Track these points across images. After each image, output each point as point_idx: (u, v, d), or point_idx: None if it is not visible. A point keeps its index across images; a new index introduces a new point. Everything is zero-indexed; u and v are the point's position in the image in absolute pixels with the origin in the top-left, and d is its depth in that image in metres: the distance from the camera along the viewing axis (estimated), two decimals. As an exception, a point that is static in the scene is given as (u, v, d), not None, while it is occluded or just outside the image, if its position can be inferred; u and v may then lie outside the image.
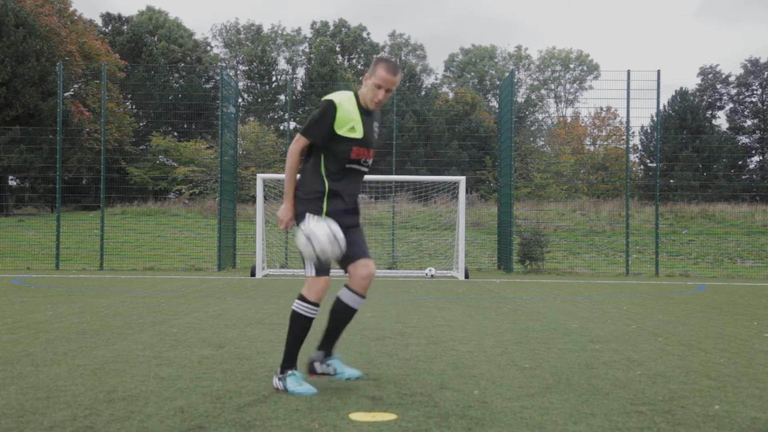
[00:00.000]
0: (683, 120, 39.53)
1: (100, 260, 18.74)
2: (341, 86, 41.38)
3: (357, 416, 3.24)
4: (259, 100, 52.70)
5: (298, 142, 3.86)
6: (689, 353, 5.26)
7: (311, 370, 3.90)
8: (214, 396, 3.64)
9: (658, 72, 19.13)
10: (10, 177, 31.30)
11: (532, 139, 47.18)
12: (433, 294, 11.18)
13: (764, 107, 49.84)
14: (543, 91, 65.94)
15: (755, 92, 50.12)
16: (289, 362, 3.80)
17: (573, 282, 15.12)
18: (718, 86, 50.55)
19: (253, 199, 20.60)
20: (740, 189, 33.92)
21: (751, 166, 45.54)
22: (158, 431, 2.98)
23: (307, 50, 62.23)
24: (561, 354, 5.14)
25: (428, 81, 60.05)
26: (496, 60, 67.36)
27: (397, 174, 21.01)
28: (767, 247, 23.73)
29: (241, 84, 53.03)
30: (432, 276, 15.61)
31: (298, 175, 3.94)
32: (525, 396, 3.72)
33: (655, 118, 26.97)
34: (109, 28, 52.38)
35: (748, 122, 50.01)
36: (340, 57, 59.46)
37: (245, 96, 53.03)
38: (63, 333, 5.98)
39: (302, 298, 3.81)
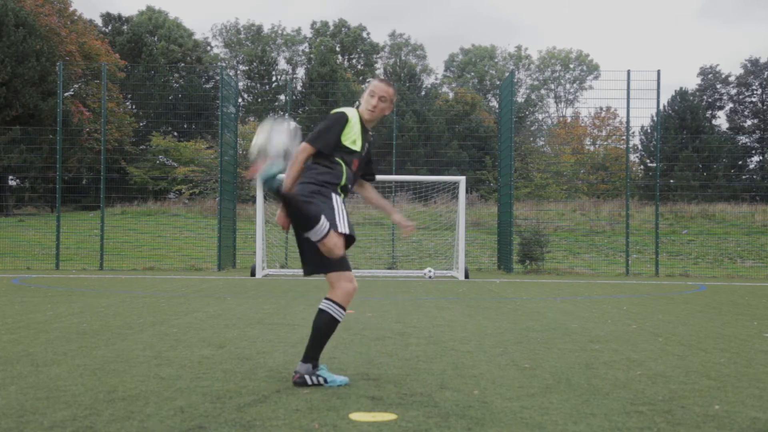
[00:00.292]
0: (683, 120, 39.53)
1: (100, 260, 18.75)
2: (341, 86, 41.38)
3: (357, 416, 3.24)
4: (259, 100, 52.71)
5: (304, 152, 3.93)
6: (689, 353, 5.26)
7: (301, 383, 3.84)
8: (214, 396, 3.64)
9: (658, 72, 19.15)
10: (10, 177, 31.30)
11: (532, 139, 47.19)
12: (433, 294, 11.18)
13: (764, 107, 49.85)
14: (543, 91, 65.95)
15: (755, 92, 50.13)
16: (316, 358, 3.88)
17: (573, 282, 15.12)
18: (718, 86, 50.56)
19: (253, 199, 20.61)
20: (740, 189, 33.93)
21: (751, 166, 45.57)
22: (158, 431, 2.98)
23: (307, 50, 62.25)
24: (561, 354, 5.14)
25: (428, 81, 60.07)
26: (496, 60, 67.37)
27: (397, 174, 21.02)
28: (767, 247, 23.73)
29: (241, 84, 53.04)
30: (430, 276, 15.56)
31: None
32: (525, 396, 3.72)
33: (655, 118, 26.99)
34: (109, 28, 52.39)
35: (748, 122, 50.02)
36: (340, 57, 59.46)
37: (245, 96, 53.04)
38: (63, 333, 5.98)
39: (334, 302, 3.88)
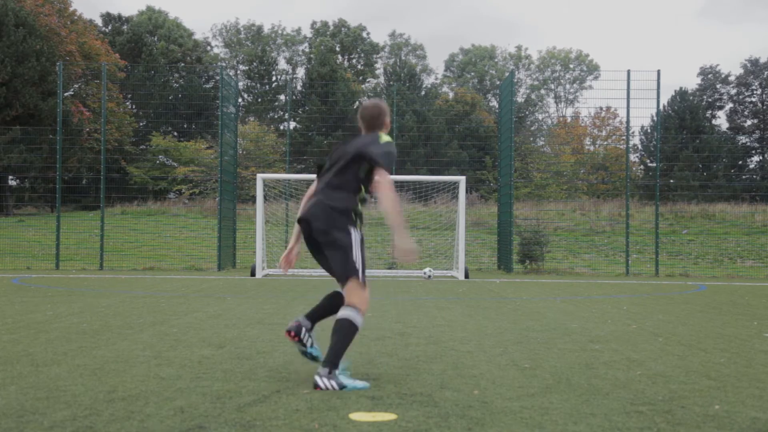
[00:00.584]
0: (683, 120, 39.54)
1: (100, 260, 18.75)
2: (341, 86, 41.38)
3: (357, 416, 3.24)
4: (259, 100, 52.70)
5: (389, 176, 4.03)
6: (689, 353, 5.26)
7: (315, 386, 3.83)
8: (214, 396, 3.64)
9: (658, 72, 19.15)
10: (10, 177, 31.31)
11: (532, 139, 47.20)
12: (433, 294, 11.18)
13: (764, 107, 49.84)
14: (543, 91, 65.95)
15: (755, 92, 50.13)
16: (336, 363, 3.83)
17: (573, 282, 15.12)
18: (718, 86, 50.56)
19: (253, 199, 20.61)
20: (740, 189, 33.96)
21: (751, 166, 45.58)
22: (158, 431, 2.98)
23: (307, 50, 62.25)
24: (561, 354, 5.14)
25: (428, 81, 60.07)
26: (496, 60, 67.37)
27: (397, 174, 21.01)
28: (767, 247, 23.74)
29: (241, 84, 53.02)
30: (428, 276, 15.49)
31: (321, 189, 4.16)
32: (525, 396, 3.72)
33: (655, 118, 27.00)
34: (109, 28, 52.39)
35: (748, 122, 50.02)
36: (340, 57, 59.46)
37: (245, 96, 53.02)
38: (63, 333, 5.98)
39: (356, 310, 3.93)
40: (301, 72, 59.90)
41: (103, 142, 19.81)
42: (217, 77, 36.92)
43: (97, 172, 29.79)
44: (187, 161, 35.07)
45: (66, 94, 34.33)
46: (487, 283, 14.45)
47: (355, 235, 4.06)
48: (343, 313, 3.93)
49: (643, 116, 55.77)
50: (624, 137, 26.55)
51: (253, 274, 15.82)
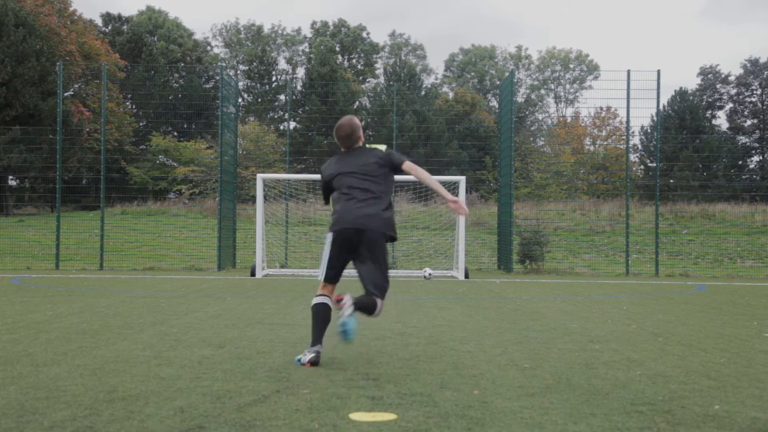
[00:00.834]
0: (683, 120, 39.54)
1: (100, 260, 18.75)
2: (341, 86, 41.39)
3: (357, 416, 3.24)
4: (259, 100, 52.70)
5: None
6: (689, 353, 5.26)
7: (346, 304, 4.52)
8: (214, 396, 3.64)
9: (658, 72, 19.15)
10: (10, 177, 31.31)
11: (532, 139, 47.20)
12: (433, 294, 11.19)
13: (764, 107, 49.85)
14: (543, 91, 65.96)
15: (755, 92, 50.13)
16: (358, 308, 4.56)
17: (573, 282, 15.12)
18: (718, 86, 50.56)
19: (253, 199, 20.61)
20: (740, 189, 33.95)
21: (751, 166, 45.59)
22: (158, 431, 2.98)
23: (307, 50, 62.25)
24: (561, 354, 5.14)
25: (428, 81, 60.08)
26: (496, 60, 67.38)
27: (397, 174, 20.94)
28: (767, 247, 23.74)
29: (241, 84, 53.02)
30: (427, 277, 15.42)
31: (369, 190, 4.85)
32: (525, 396, 3.72)
33: (655, 118, 27.00)
34: (109, 28, 52.39)
35: (748, 122, 50.02)
36: (340, 57, 59.46)
37: (245, 96, 53.03)
38: (63, 333, 5.98)
39: (382, 302, 4.75)
40: (301, 72, 59.96)
41: (103, 142, 19.81)
42: (217, 77, 36.93)
43: (97, 172, 29.79)
44: (187, 161, 35.07)
45: (66, 94, 34.34)
46: (487, 283, 14.45)
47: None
48: (374, 297, 4.72)
49: (643, 116, 55.90)
50: (624, 137, 26.55)
51: (253, 274, 15.82)
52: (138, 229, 23.64)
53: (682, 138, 37.32)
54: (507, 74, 35.81)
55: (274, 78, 54.44)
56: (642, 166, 38.95)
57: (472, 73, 64.82)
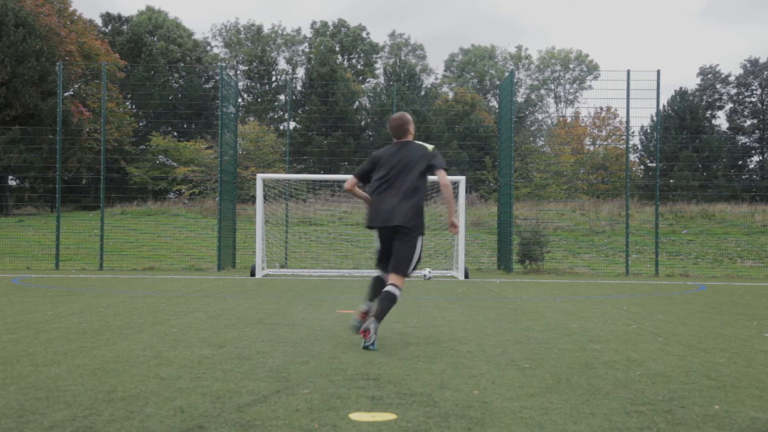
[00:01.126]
0: (683, 120, 39.55)
1: (100, 260, 18.75)
2: (341, 86, 41.38)
3: (357, 416, 3.24)
4: (259, 100, 52.71)
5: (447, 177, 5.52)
6: (689, 353, 5.26)
7: (367, 330, 5.15)
8: (214, 396, 3.63)
9: (658, 72, 19.14)
10: (10, 177, 31.32)
11: (532, 139, 47.20)
12: (433, 294, 11.18)
13: (764, 107, 49.85)
14: (543, 91, 65.97)
15: (755, 92, 50.14)
16: (381, 319, 5.22)
17: (573, 282, 15.12)
18: (718, 86, 50.56)
19: (253, 199, 20.61)
20: (740, 189, 33.95)
21: (751, 166, 45.59)
22: (158, 431, 2.98)
23: (307, 50, 62.25)
24: (561, 354, 5.14)
25: (428, 81, 60.10)
26: (496, 60, 67.39)
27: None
28: (767, 247, 23.74)
29: (241, 84, 53.03)
30: (426, 277, 15.40)
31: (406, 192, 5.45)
32: (525, 396, 3.71)
33: (654, 118, 27.00)
34: (109, 28, 52.40)
35: (748, 122, 50.03)
36: (339, 57, 59.46)
37: (245, 96, 53.05)
38: (63, 333, 5.98)
39: (398, 288, 5.34)
40: (301, 72, 59.96)
41: (103, 142, 19.80)
42: (217, 77, 36.94)
43: (96, 172, 29.81)
44: (187, 161, 35.07)
45: (66, 94, 34.34)
46: (487, 283, 14.45)
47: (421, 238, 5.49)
48: (390, 288, 5.30)
49: (643, 116, 56.07)
50: (624, 137, 26.56)
51: (252, 274, 15.82)
52: (138, 229, 23.65)
53: (682, 138, 37.32)
54: (507, 74, 35.79)
55: (274, 78, 54.47)
56: (642, 166, 38.96)
57: (472, 73, 64.83)
